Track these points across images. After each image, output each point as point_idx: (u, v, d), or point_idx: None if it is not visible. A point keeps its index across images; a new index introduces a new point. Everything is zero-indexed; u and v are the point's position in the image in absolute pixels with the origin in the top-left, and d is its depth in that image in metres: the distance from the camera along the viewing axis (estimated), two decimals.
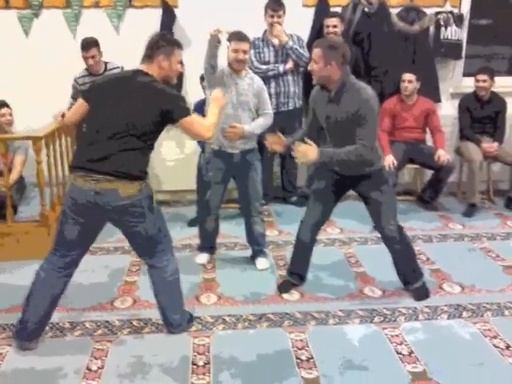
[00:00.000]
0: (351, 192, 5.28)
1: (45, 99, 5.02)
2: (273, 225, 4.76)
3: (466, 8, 5.37)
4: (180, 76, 5.08)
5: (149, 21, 5.04)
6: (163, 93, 2.75)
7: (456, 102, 5.31)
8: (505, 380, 2.68)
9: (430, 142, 5.13)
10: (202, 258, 4.04)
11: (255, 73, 4.02)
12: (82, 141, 2.80)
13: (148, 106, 2.70)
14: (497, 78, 5.05)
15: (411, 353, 2.87)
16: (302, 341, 2.98)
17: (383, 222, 3.32)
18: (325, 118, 3.22)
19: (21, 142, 4.50)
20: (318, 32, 5.05)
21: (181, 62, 3.06)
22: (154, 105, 2.70)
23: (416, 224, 4.74)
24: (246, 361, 2.82)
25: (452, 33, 5.23)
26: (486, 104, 5.06)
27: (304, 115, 5.12)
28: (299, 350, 2.90)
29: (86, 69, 4.77)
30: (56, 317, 3.20)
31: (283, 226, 4.72)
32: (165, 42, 2.85)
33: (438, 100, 5.37)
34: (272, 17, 4.71)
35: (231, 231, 4.55)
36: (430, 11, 5.24)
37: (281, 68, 4.79)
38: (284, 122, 4.76)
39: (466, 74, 5.54)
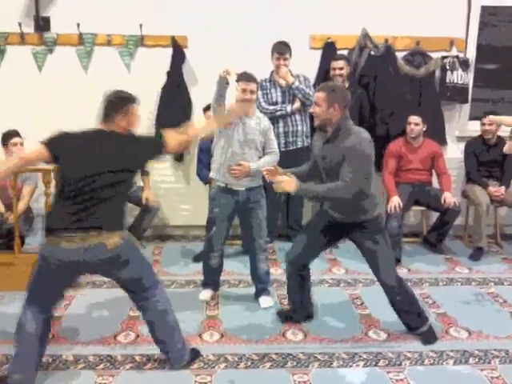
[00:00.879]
0: None
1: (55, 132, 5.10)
2: (277, 263, 4.74)
3: (471, 52, 5.45)
4: (188, 111, 5.17)
5: (159, 59, 5.15)
6: (131, 139, 2.86)
7: (462, 145, 5.34)
8: None
9: (436, 184, 5.13)
10: (206, 294, 4.02)
11: (263, 113, 4.08)
12: (59, 199, 2.78)
13: (122, 154, 2.76)
14: None
15: None
16: (304, 382, 2.94)
17: (382, 274, 3.32)
18: (321, 158, 3.27)
19: (30, 173, 4.54)
20: (325, 74, 5.14)
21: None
22: (127, 152, 2.78)
23: (422, 267, 4.72)
24: None
25: (458, 77, 5.30)
26: (493, 147, 5.09)
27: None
28: None
29: None
30: (59, 349, 3.22)
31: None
32: (120, 102, 2.95)
33: (444, 143, 5.41)
34: (278, 59, 4.79)
35: (235, 268, 4.55)
36: (436, 55, 5.31)
37: (288, 108, 4.85)
38: (292, 160, 4.79)
39: (472, 118, 5.59)
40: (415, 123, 4.92)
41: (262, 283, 3.97)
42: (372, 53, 5.20)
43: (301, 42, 5.11)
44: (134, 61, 5.22)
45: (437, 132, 5.29)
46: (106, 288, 4.17)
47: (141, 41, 5.16)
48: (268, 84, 4.94)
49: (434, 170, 5.11)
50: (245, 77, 3.68)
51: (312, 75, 5.16)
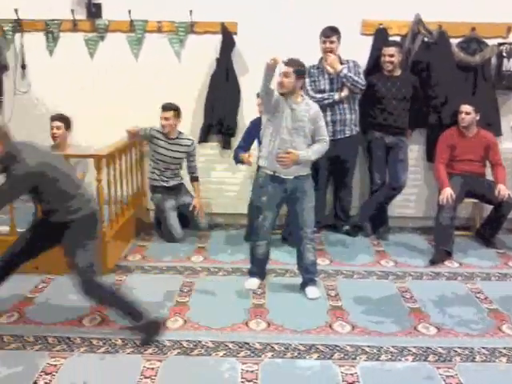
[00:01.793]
0: (405, 223, 5.26)
1: (106, 118, 5.19)
2: (324, 253, 4.71)
3: None
4: (237, 99, 5.15)
5: (209, 46, 5.15)
6: None
7: None
8: None
9: (489, 176, 4.98)
10: (252, 283, 4.02)
11: None
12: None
13: None
14: None
15: None
16: (352, 375, 2.91)
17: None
18: None
19: (80, 159, 4.61)
20: (376, 60, 5.04)
21: None
22: None
23: (474, 261, 4.59)
24: None
25: None
26: None
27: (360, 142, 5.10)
28: None
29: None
30: (108, 333, 3.29)
31: (335, 255, 4.66)
32: None
33: (499, 133, 5.23)
34: (325, 43, 4.72)
35: (281, 257, 4.53)
36: (492, 42, 5.13)
37: (336, 96, 4.76)
38: (341, 149, 4.76)
39: None
40: (466, 112, 4.77)
41: (308, 273, 3.94)
42: (425, 39, 5.06)
43: (352, 28, 5.02)
44: (183, 48, 5.23)
45: (492, 122, 5.12)
46: (154, 274, 4.23)
47: (191, 27, 5.16)
48: (316, 71, 4.85)
49: (487, 162, 4.97)
50: (285, 62, 3.63)
51: (363, 62, 5.05)
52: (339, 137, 4.84)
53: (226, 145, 5.31)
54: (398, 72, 4.90)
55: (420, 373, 2.95)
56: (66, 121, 4.64)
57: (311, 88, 4.81)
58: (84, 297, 3.17)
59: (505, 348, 3.20)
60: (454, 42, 5.13)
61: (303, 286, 3.95)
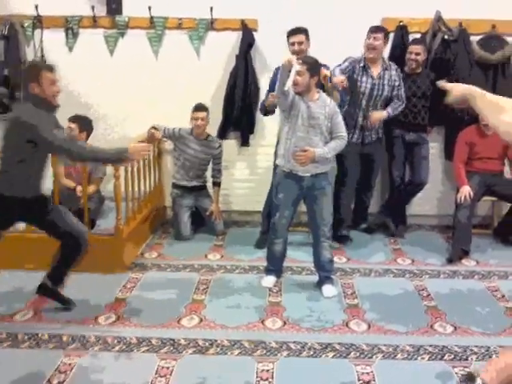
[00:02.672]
0: (423, 222, 5.24)
1: (126, 115, 5.23)
2: (341, 251, 4.70)
3: None
4: (256, 95, 5.15)
5: (228, 43, 5.16)
6: None
7: None
8: None
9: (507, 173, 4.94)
10: (269, 280, 4.03)
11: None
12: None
13: None
14: None
15: None
16: (368, 374, 2.91)
17: None
18: None
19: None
20: (396, 57, 5.00)
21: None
22: None
23: (491, 259, 4.56)
24: None
25: None
26: None
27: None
28: (365, 383, 2.83)
29: (191, 129, 4.95)
30: (124, 331, 3.30)
31: (352, 253, 4.66)
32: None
33: None
34: (369, 38, 4.57)
35: (298, 255, 4.52)
36: None
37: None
38: (370, 148, 4.82)
39: None
40: None
41: (325, 271, 3.94)
42: (445, 37, 5.01)
43: (373, 25, 4.98)
44: (203, 45, 5.23)
45: None
46: (169, 271, 4.25)
47: (211, 24, 5.16)
48: (360, 69, 4.63)
49: (506, 159, 4.91)
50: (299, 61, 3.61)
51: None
52: (367, 141, 4.80)
53: (244, 142, 5.32)
54: (419, 69, 4.86)
55: (436, 371, 2.94)
56: (81, 122, 4.67)
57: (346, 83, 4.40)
58: None
59: None
60: (474, 39, 5.07)
61: (320, 284, 3.95)
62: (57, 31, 5.22)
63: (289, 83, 3.50)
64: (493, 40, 5.09)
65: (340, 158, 4.43)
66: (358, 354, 3.10)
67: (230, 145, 5.33)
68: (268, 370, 2.92)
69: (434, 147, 5.27)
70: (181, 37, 5.20)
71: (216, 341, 3.20)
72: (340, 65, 4.59)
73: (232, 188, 5.38)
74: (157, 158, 5.30)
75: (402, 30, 5.09)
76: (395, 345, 3.19)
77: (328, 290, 3.88)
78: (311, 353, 3.11)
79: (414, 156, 5.01)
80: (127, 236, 4.26)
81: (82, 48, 5.27)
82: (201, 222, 5.15)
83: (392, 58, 5.05)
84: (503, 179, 4.91)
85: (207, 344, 3.17)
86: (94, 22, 5.21)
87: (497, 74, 5.10)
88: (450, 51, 5.02)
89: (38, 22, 5.19)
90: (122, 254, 4.16)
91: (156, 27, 5.19)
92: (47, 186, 4.20)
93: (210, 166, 5.10)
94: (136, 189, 4.58)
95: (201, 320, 3.47)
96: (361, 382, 2.84)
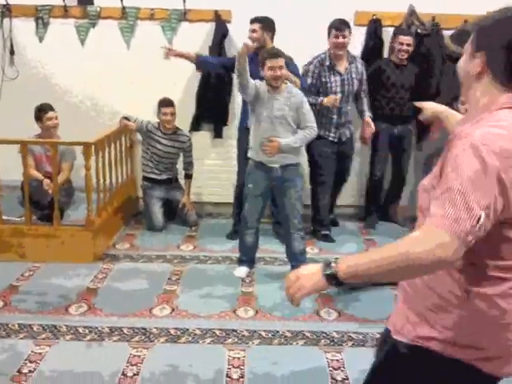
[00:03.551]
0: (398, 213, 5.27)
1: (96, 107, 5.18)
2: (313, 242, 4.72)
3: None
4: (229, 86, 5.15)
5: (201, 34, 5.13)
6: None
7: None
8: None
9: None
10: (241, 271, 4.04)
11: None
12: None
13: None
14: None
15: None
16: (338, 361, 2.94)
17: None
18: None
19: (66, 148, 4.60)
20: (370, 51, 5.06)
21: None
22: None
23: None
24: (280, 377, 2.80)
25: None
26: None
27: None
28: (335, 370, 2.86)
29: (158, 123, 4.92)
30: (95, 321, 3.28)
31: (324, 244, 4.69)
32: None
33: None
34: (337, 37, 4.51)
35: (272, 246, 4.54)
36: None
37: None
38: (345, 146, 4.82)
39: None
40: (462, 102, 4.75)
41: (297, 262, 3.95)
42: (419, 31, 5.06)
43: (346, 19, 4.99)
44: (176, 36, 5.19)
45: None
46: (142, 262, 4.22)
47: (184, 15, 5.13)
48: (326, 69, 4.57)
49: None
50: (271, 54, 3.62)
51: (356, 52, 5.03)
52: (344, 139, 4.78)
53: (217, 134, 5.31)
54: (405, 61, 4.89)
55: None
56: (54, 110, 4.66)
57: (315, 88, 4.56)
58: None
59: None
60: (446, 33, 5.13)
61: None
62: (27, 21, 5.15)
63: (245, 41, 3.52)
64: (464, 35, 5.13)
65: (316, 157, 4.47)
66: (328, 341, 3.13)
67: (204, 137, 5.31)
68: (239, 358, 2.93)
69: None
70: (153, 27, 5.15)
71: (188, 330, 3.21)
72: (307, 70, 4.60)
73: (205, 179, 5.37)
74: (129, 149, 5.27)
75: (376, 24, 5.12)
76: (365, 332, 3.23)
77: None
78: (282, 341, 3.13)
79: (398, 149, 5.07)
80: (98, 227, 4.22)
81: (53, 38, 5.19)
82: (173, 213, 5.12)
83: (365, 51, 5.09)
84: None
85: (179, 333, 3.18)
86: (65, 12, 5.14)
87: None
88: (424, 45, 5.06)
89: (7, 10, 5.11)
90: (93, 245, 4.12)
91: (128, 18, 5.14)
92: (17, 177, 4.20)
93: (180, 160, 5.09)
94: (107, 180, 4.55)
95: (173, 310, 3.46)
96: (330, 368, 2.87)
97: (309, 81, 4.55)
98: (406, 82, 4.88)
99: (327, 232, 4.85)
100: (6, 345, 3.02)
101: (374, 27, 5.11)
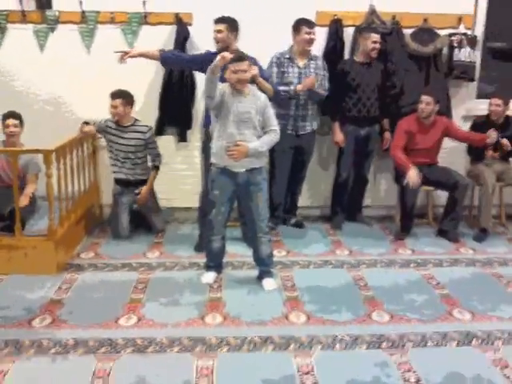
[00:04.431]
0: (364, 213, 5.31)
1: (58, 111, 5.08)
2: (281, 245, 4.71)
3: (479, 30, 5.34)
4: (192, 90, 5.10)
5: (163, 37, 5.07)
6: None
7: (468, 125, 5.26)
8: None
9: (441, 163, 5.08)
10: (209, 277, 4.00)
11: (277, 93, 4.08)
12: None
13: None
14: None
15: (418, 380, 2.81)
16: (307, 365, 2.93)
17: None
18: None
19: (29, 159, 4.50)
20: (331, 50, 5.10)
21: None
22: None
23: (426, 247, 4.69)
24: None
25: (465, 54, 5.19)
26: (499, 129, 4.96)
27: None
28: (304, 374, 2.85)
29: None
30: (60, 333, 3.21)
31: (291, 246, 4.68)
32: None
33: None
34: (309, 33, 4.65)
35: (239, 250, 4.51)
36: (443, 32, 5.20)
37: (291, 91, 4.65)
38: (303, 141, 4.84)
39: (480, 97, 5.51)
40: (426, 102, 4.79)
41: (264, 266, 3.95)
42: (380, 30, 5.09)
43: (306, 20, 4.99)
44: (137, 39, 5.13)
45: (443, 111, 5.19)
46: (107, 271, 4.16)
47: (144, 18, 5.07)
48: (286, 61, 4.72)
49: (456, 139, 5.09)
50: (236, 57, 3.56)
51: (317, 52, 5.03)
52: (301, 132, 4.82)
53: (181, 138, 5.26)
54: (374, 60, 4.93)
55: (374, 360, 2.99)
56: (21, 118, 4.57)
57: (278, 79, 4.68)
58: None
59: (455, 332, 3.28)
60: (407, 32, 5.18)
61: (260, 278, 3.96)
62: None
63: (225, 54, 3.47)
64: (424, 33, 5.21)
65: (271, 149, 4.46)
66: (297, 345, 3.12)
67: (168, 141, 5.26)
68: (208, 367, 2.90)
69: None
70: (114, 31, 5.07)
71: (155, 339, 3.16)
72: (272, 62, 4.70)
73: (171, 184, 5.31)
74: (92, 156, 5.18)
75: (337, 24, 5.14)
76: (334, 335, 3.23)
77: (268, 283, 3.88)
78: (251, 347, 3.10)
79: (364, 150, 5.10)
80: (61, 236, 4.14)
81: (11, 44, 5.07)
82: (141, 220, 5.05)
83: (327, 51, 5.11)
84: (438, 167, 5.02)
85: (146, 343, 3.12)
86: (23, 17, 5.02)
87: (429, 66, 5.22)
88: (385, 44, 5.09)
89: None
90: (56, 255, 4.04)
91: (88, 22, 5.05)
92: None
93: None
94: (70, 188, 4.46)
95: (139, 319, 3.41)
96: (300, 373, 2.86)
97: (275, 69, 4.68)
98: (371, 81, 4.91)
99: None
100: None
101: (335, 27, 5.14)
